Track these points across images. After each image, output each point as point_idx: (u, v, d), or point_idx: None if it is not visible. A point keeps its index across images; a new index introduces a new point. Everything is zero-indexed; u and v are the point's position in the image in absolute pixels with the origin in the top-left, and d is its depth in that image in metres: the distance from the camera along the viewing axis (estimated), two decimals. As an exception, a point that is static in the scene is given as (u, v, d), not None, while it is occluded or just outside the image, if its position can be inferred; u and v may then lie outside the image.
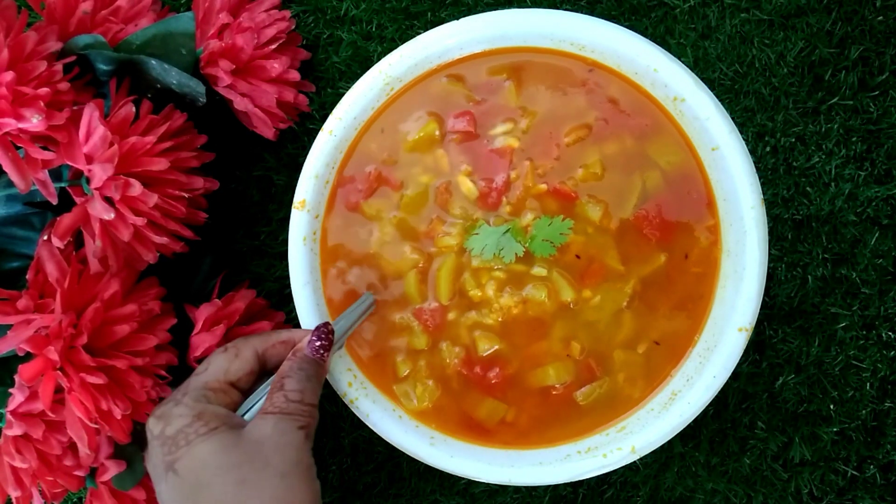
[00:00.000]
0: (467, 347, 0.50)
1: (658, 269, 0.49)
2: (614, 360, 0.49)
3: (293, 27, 0.55)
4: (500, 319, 0.49)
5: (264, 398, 0.43)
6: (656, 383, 0.50)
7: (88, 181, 0.44)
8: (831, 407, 0.55)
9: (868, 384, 0.55)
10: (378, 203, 0.51)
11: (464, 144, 0.50)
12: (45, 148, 0.43)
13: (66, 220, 0.44)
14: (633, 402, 0.49)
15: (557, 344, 0.49)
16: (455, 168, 0.50)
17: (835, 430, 0.55)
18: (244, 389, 0.45)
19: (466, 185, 0.50)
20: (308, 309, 0.49)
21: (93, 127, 0.43)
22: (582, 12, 0.50)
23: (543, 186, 0.49)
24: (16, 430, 0.43)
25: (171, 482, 0.39)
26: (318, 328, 0.45)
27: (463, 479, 0.56)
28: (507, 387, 0.50)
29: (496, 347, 0.49)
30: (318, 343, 0.45)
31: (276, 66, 0.52)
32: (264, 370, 0.46)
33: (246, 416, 0.43)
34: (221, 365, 0.44)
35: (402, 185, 0.50)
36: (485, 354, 0.49)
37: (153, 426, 0.41)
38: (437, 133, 0.50)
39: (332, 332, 0.45)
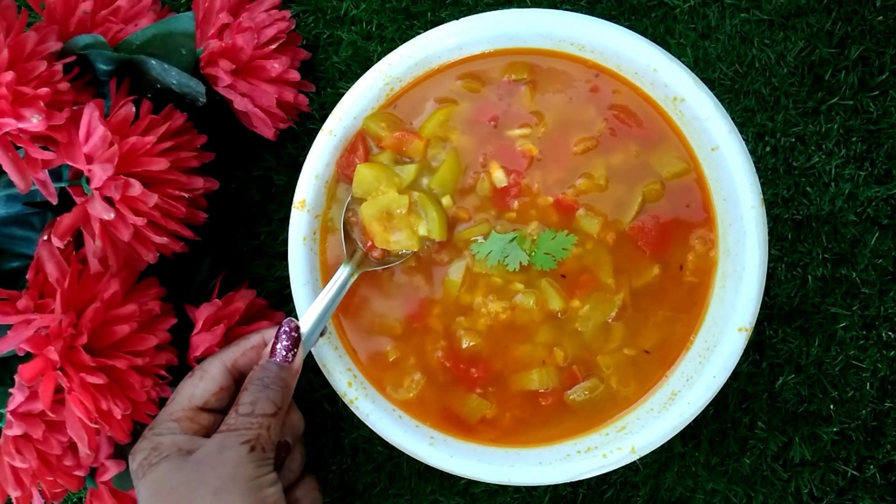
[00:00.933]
0: (450, 340, 0.50)
1: (651, 280, 0.49)
2: (601, 366, 0.49)
3: (293, 27, 0.55)
4: (487, 324, 0.49)
5: None
6: (649, 385, 0.49)
7: (88, 181, 0.44)
8: (831, 407, 0.55)
9: (868, 384, 0.55)
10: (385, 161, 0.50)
11: (483, 135, 0.50)
12: (45, 148, 0.43)
13: (66, 220, 0.44)
14: (627, 402, 0.49)
15: (541, 349, 0.49)
16: (482, 154, 0.50)
17: (835, 430, 0.55)
18: (219, 409, 0.45)
19: (497, 175, 0.50)
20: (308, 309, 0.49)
21: (93, 127, 0.43)
22: (582, 12, 0.50)
23: (549, 199, 0.49)
24: (16, 430, 0.43)
25: None
26: (280, 328, 0.44)
27: (463, 479, 0.56)
28: (488, 383, 0.50)
29: (478, 342, 0.49)
30: (280, 346, 0.44)
31: (276, 66, 0.52)
32: (241, 381, 0.46)
33: None
34: (186, 392, 0.44)
35: (427, 155, 0.50)
36: (465, 347, 0.49)
37: (129, 463, 0.42)
38: (454, 120, 0.50)
39: (297, 328, 0.45)
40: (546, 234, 0.49)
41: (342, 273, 0.48)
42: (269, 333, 0.46)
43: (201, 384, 0.44)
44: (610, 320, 0.49)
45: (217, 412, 0.45)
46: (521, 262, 0.49)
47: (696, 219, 0.50)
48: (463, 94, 0.51)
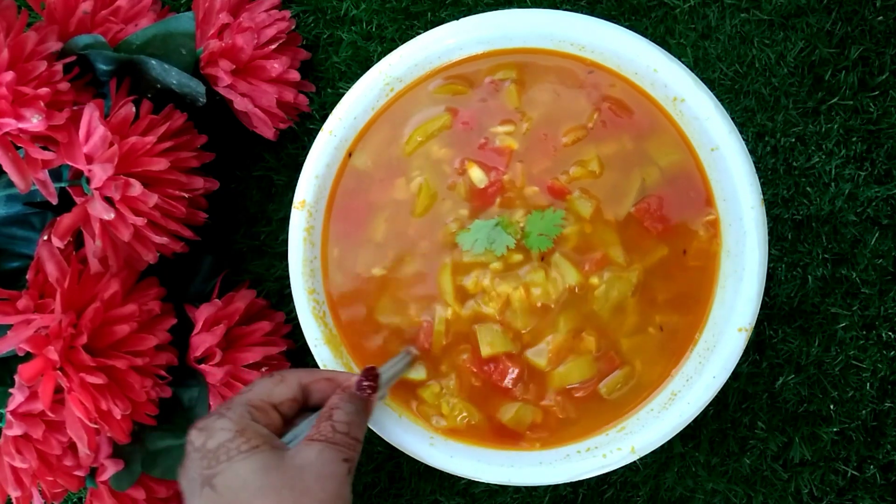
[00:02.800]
0: (473, 349, 0.49)
1: (661, 260, 0.49)
2: (623, 348, 0.49)
3: (293, 27, 0.55)
4: (498, 308, 0.49)
5: (307, 430, 0.41)
6: (675, 361, 0.49)
7: (88, 181, 0.44)
8: (831, 407, 0.55)
9: (868, 384, 0.55)
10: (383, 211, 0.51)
11: (463, 141, 0.50)
12: (45, 148, 0.43)
13: (66, 220, 0.44)
14: (655, 384, 0.49)
15: (568, 337, 0.49)
16: (460, 159, 0.50)
17: (835, 430, 0.55)
18: (286, 416, 0.43)
19: (475, 174, 0.50)
20: (308, 309, 0.50)
21: (93, 127, 0.43)
22: (582, 12, 0.50)
23: (535, 188, 0.49)
24: (16, 430, 0.43)
25: (207, 497, 0.37)
26: (365, 370, 0.44)
27: (463, 479, 0.56)
28: (523, 381, 0.49)
29: (504, 349, 0.49)
30: (365, 383, 0.43)
31: (276, 66, 0.52)
32: (306, 405, 0.44)
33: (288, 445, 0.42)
34: (266, 387, 0.42)
35: (408, 188, 0.50)
36: (487, 355, 0.49)
37: (195, 438, 0.39)
38: (438, 130, 0.50)
39: (378, 376, 0.44)
40: (534, 216, 0.49)
41: (406, 356, 0.48)
42: (342, 374, 0.45)
43: (281, 386, 0.42)
44: (630, 294, 0.49)
45: (284, 419, 0.43)
46: (507, 246, 0.49)
47: (698, 205, 0.49)
48: (447, 100, 0.50)
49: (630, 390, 0.49)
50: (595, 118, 0.50)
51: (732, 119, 0.48)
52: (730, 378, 0.48)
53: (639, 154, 0.49)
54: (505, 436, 0.50)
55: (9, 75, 0.40)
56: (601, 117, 0.50)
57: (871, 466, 0.55)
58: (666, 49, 0.49)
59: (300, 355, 0.57)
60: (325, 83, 0.58)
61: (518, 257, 0.49)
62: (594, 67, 0.50)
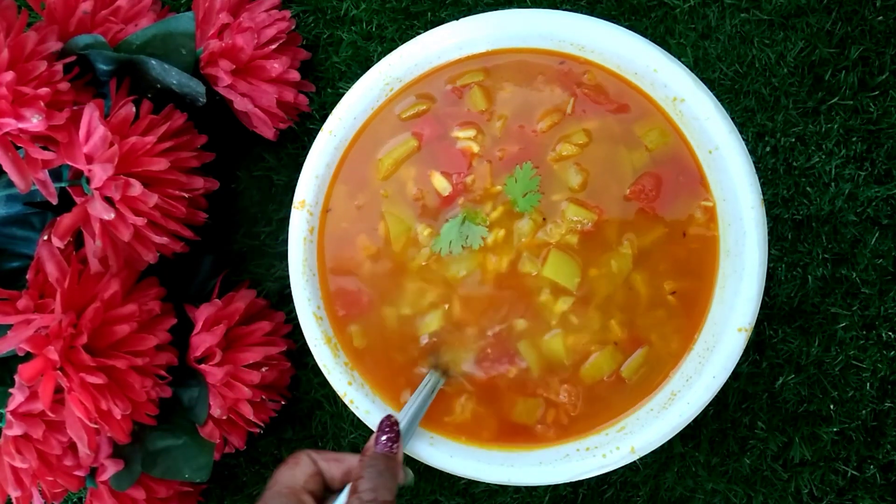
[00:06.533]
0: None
1: (660, 238, 0.49)
2: (639, 325, 0.49)
3: (293, 27, 0.55)
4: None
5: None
6: (691, 335, 0.49)
7: (88, 181, 0.44)
8: (831, 407, 0.55)
9: (868, 384, 0.55)
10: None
11: (431, 154, 0.51)
12: (45, 148, 0.43)
13: (66, 220, 0.44)
14: (674, 359, 0.49)
15: (596, 334, 0.49)
16: (427, 170, 0.50)
17: (835, 430, 0.55)
18: (315, 492, 0.44)
19: (438, 183, 0.50)
20: (308, 309, 0.50)
21: (93, 127, 0.43)
22: (582, 12, 0.50)
23: (499, 188, 0.50)
24: (16, 430, 0.43)
25: None
26: (381, 423, 0.45)
27: (463, 479, 0.56)
28: (539, 383, 0.50)
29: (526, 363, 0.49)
30: (384, 437, 0.44)
31: (276, 66, 0.52)
32: (326, 482, 0.45)
33: None
34: (286, 473, 0.44)
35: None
36: (511, 375, 0.49)
37: None
38: (400, 158, 0.51)
39: (397, 423, 0.45)
40: (509, 183, 0.49)
41: (430, 378, 0.48)
42: (351, 458, 0.45)
43: (298, 467, 0.44)
44: (630, 269, 0.49)
45: (313, 495, 0.44)
46: (482, 237, 0.49)
47: (693, 187, 0.49)
48: (412, 124, 0.51)
49: (651, 368, 0.49)
50: (572, 103, 0.50)
51: (732, 119, 0.48)
52: (730, 378, 0.48)
53: (626, 135, 0.50)
54: (515, 432, 0.50)
55: (9, 75, 0.40)
56: (579, 104, 0.50)
57: (871, 466, 0.55)
58: (666, 49, 0.49)
59: (300, 355, 0.57)
60: (325, 83, 0.58)
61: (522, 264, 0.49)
62: (566, 59, 0.50)
